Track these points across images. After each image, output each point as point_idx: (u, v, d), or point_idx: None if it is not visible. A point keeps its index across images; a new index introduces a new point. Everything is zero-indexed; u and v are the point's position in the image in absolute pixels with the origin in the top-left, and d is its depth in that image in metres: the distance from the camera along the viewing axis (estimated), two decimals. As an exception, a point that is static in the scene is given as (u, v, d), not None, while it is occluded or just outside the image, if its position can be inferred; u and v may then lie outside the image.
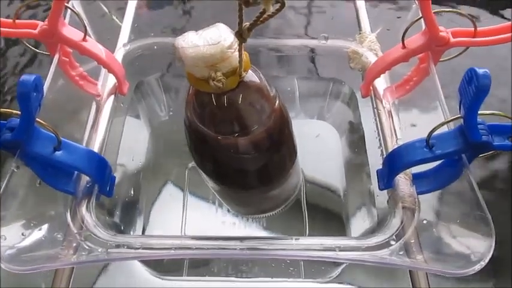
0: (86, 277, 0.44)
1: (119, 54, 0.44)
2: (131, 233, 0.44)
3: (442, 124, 0.30)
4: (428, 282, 0.31)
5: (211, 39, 0.25)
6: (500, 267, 0.45)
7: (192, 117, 0.30)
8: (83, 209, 0.33)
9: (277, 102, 0.31)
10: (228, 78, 0.26)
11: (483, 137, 0.28)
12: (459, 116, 0.29)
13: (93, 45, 0.38)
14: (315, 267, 0.45)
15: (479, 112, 0.28)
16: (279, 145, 0.33)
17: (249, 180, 0.35)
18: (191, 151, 0.34)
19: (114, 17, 0.47)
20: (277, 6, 0.22)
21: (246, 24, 0.24)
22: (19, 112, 0.27)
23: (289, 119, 0.33)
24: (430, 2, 0.33)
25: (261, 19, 0.23)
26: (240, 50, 0.25)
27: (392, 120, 0.39)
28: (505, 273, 0.45)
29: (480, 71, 0.26)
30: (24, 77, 0.26)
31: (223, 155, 0.32)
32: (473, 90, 0.26)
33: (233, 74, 0.27)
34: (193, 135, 0.31)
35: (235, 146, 0.30)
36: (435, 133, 0.30)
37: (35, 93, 0.26)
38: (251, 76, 0.28)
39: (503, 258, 0.45)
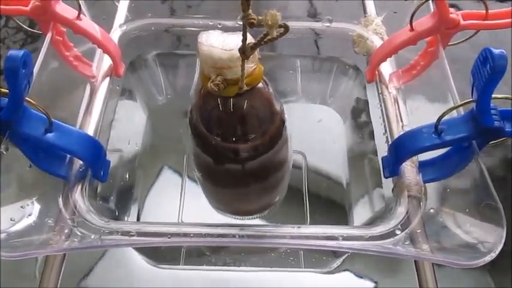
0: (81, 266, 0.43)
1: (115, 35, 0.43)
2: (126, 219, 0.43)
3: (452, 109, 0.29)
4: (434, 272, 0.30)
5: (226, 45, 0.26)
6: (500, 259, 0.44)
7: (196, 118, 0.30)
8: (76, 194, 0.32)
9: (279, 117, 0.31)
10: (229, 85, 0.27)
11: (495, 122, 0.27)
12: (471, 100, 0.28)
13: (87, 24, 0.37)
14: (315, 257, 0.44)
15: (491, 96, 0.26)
16: (273, 154, 0.33)
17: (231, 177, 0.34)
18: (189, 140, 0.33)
19: None
20: (281, 30, 0.22)
21: (250, 43, 0.24)
22: (7, 91, 0.26)
23: (287, 136, 0.33)
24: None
25: (264, 40, 0.23)
26: (242, 65, 0.26)
27: (398, 105, 0.38)
28: (505, 267, 0.44)
29: (496, 51, 0.24)
30: (12, 52, 0.24)
31: (219, 156, 0.32)
32: (487, 71, 0.25)
33: (235, 84, 0.27)
34: (195, 135, 0.32)
35: (232, 149, 0.31)
36: (444, 118, 0.29)
37: (23, 70, 0.25)
38: (260, 88, 0.29)
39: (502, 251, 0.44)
